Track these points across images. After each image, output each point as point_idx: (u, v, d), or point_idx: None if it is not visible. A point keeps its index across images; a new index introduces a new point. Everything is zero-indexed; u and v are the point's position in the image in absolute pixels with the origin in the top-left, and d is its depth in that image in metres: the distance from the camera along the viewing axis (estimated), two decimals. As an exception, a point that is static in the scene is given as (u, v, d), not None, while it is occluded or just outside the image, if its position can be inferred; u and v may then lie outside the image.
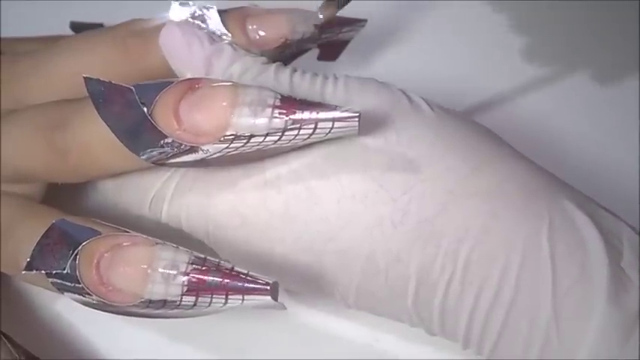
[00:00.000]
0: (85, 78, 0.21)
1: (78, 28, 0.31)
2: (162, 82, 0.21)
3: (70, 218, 0.21)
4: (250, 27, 0.24)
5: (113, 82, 0.20)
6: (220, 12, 0.24)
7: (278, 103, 0.20)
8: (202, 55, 0.23)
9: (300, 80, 0.23)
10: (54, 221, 0.21)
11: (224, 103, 0.20)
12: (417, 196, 0.21)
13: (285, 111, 0.20)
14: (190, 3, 0.24)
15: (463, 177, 0.21)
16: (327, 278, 0.22)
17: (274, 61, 0.24)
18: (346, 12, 0.25)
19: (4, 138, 0.23)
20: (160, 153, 0.21)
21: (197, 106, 0.20)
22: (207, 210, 0.23)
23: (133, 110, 0.20)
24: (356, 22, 0.27)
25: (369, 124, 0.21)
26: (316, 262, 0.22)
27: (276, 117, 0.20)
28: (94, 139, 0.22)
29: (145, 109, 0.20)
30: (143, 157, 0.21)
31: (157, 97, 0.20)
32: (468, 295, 0.21)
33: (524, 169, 0.22)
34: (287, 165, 0.22)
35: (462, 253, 0.21)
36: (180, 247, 0.20)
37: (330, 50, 0.28)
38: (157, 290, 0.20)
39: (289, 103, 0.20)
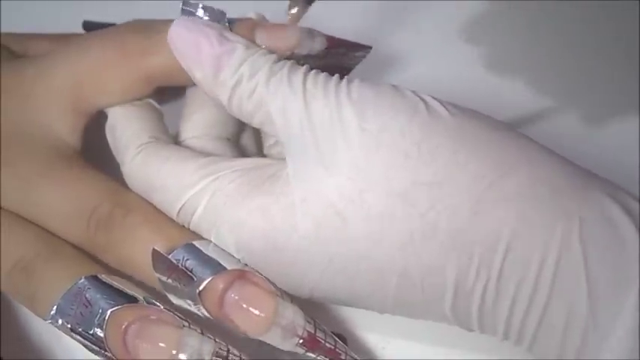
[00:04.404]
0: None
1: (90, 27, 0.31)
2: None
3: (101, 275, 0.22)
4: (258, 37, 0.24)
5: None
6: (229, 20, 0.24)
7: None
8: (211, 54, 0.23)
9: (313, 85, 0.22)
10: (83, 278, 0.22)
11: None
12: (444, 209, 0.21)
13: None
14: (200, 5, 0.24)
15: (489, 184, 0.21)
16: (362, 295, 0.22)
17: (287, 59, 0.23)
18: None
19: (49, 194, 0.24)
20: None
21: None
22: (239, 234, 0.22)
23: None
24: (361, 48, 0.27)
25: (387, 139, 0.21)
26: (350, 282, 0.22)
27: None
28: (137, 255, 0.23)
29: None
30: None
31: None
32: (504, 299, 0.21)
33: (552, 166, 0.22)
34: (313, 187, 0.22)
35: (496, 259, 0.20)
36: (205, 334, 0.21)
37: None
38: None
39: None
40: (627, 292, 0.20)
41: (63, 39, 0.29)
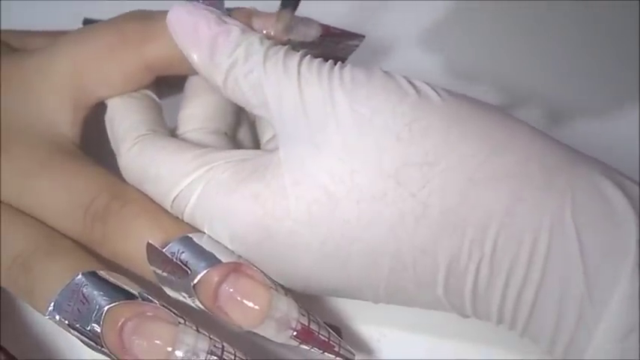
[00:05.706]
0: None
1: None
2: None
3: (99, 271, 0.22)
4: (255, 24, 0.25)
5: None
6: (227, 9, 0.25)
7: None
8: (208, 35, 0.23)
9: (307, 69, 0.22)
10: (80, 275, 0.22)
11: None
12: (436, 189, 0.21)
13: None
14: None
15: (481, 162, 0.21)
16: (355, 280, 0.22)
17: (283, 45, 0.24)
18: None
19: (48, 186, 0.24)
20: None
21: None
22: (232, 222, 0.22)
23: None
24: (355, 37, 0.27)
25: (379, 120, 0.21)
26: (343, 266, 0.22)
27: None
28: (133, 248, 0.23)
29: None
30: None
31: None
32: (497, 279, 0.21)
33: (542, 145, 0.22)
34: (304, 170, 0.22)
35: (489, 238, 0.20)
36: (201, 332, 0.21)
37: None
38: None
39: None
40: (622, 263, 0.20)
41: (62, 34, 0.29)
